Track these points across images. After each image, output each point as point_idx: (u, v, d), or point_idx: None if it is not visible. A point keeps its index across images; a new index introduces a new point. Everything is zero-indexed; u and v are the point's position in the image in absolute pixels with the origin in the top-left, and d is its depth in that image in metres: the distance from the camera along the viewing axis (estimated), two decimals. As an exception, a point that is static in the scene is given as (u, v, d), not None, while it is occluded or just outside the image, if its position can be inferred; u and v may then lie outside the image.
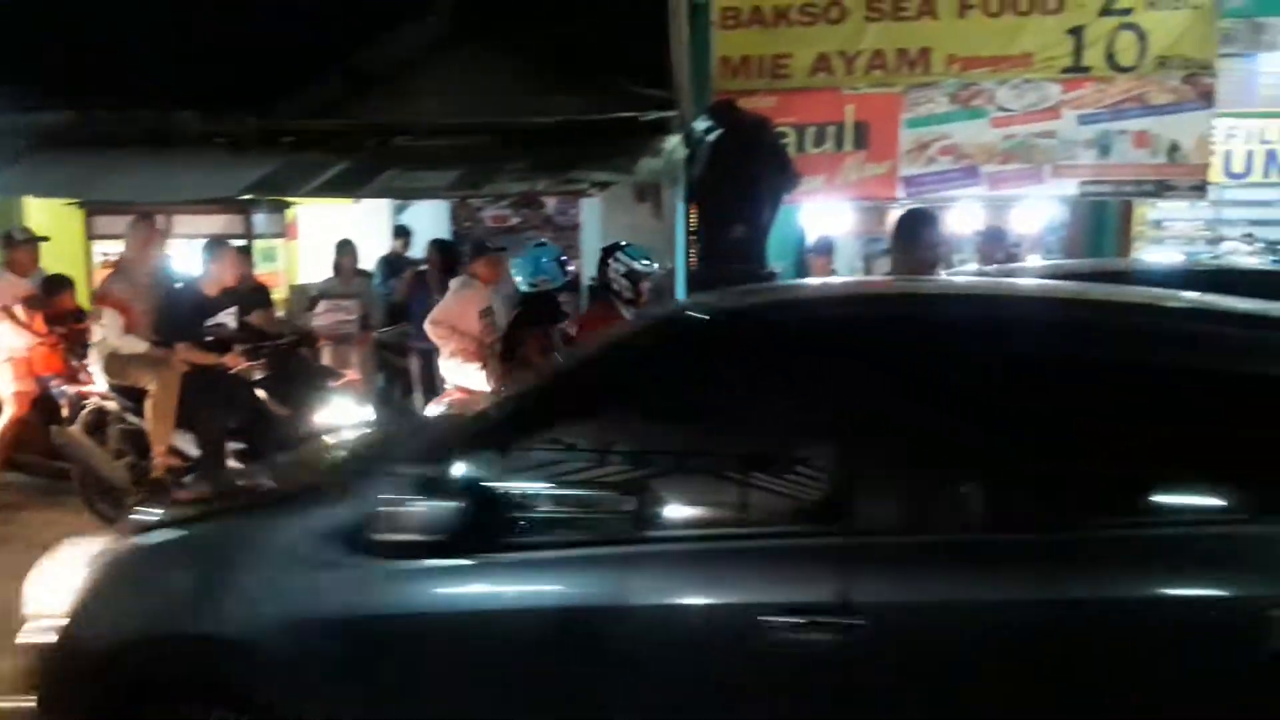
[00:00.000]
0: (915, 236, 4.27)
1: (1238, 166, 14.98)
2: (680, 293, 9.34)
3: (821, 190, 10.11)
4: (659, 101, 9.18)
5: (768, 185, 8.24)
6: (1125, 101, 9.59)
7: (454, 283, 7.26)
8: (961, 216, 10.41)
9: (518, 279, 6.02)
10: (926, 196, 10.11)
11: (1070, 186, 9.85)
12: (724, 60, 9.99)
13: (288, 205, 11.13)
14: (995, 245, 7.34)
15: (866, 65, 9.85)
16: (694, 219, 8.58)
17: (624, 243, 6.03)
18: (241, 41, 8.40)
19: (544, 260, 5.95)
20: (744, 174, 8.05)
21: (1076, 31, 9.49)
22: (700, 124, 8.57)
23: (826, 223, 10.30)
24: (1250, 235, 14.75)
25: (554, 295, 6.01)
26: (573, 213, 10.29)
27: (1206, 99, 9.56)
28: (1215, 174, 14.50)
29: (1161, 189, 9.90)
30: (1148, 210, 14.16)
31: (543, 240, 6.79)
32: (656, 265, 6.16)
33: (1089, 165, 9.72)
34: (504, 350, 5.83)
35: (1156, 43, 9.42)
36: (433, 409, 6.61)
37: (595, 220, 9.83)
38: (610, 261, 5.76)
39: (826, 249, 8.97)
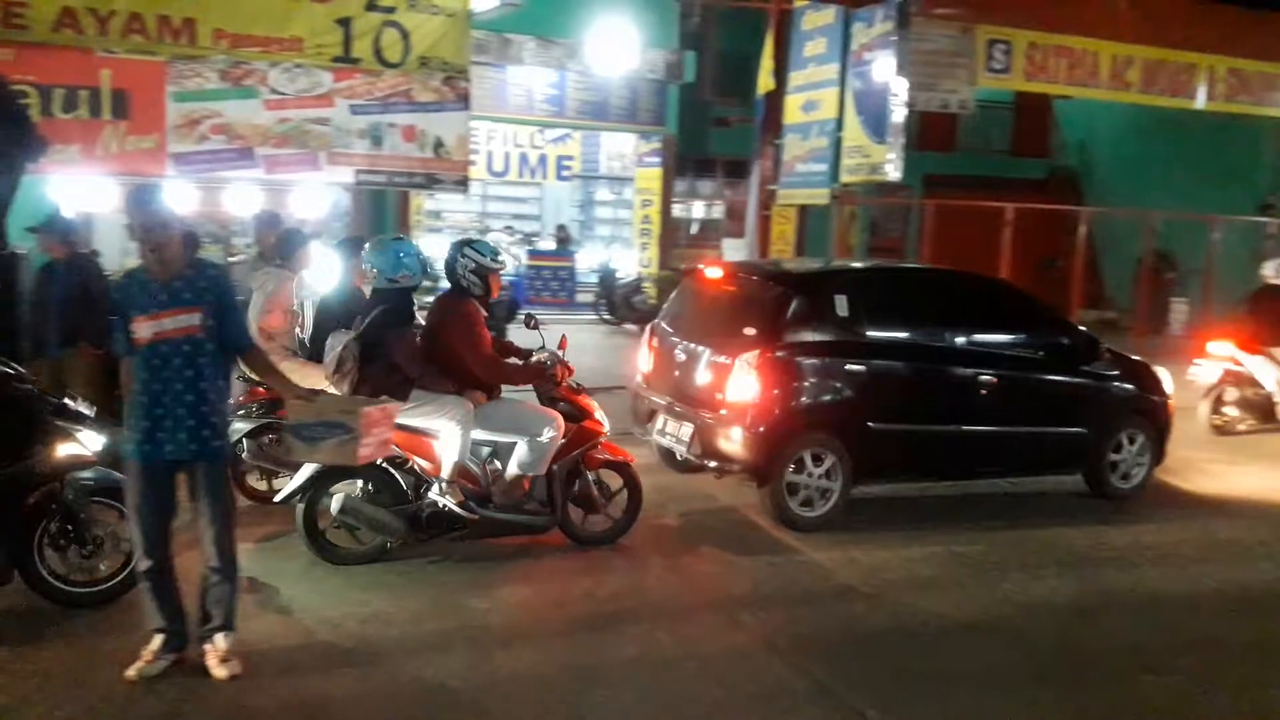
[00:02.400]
0: (143, 212, 3.91)
1: (498, 165, 16.97)
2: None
3: (77, 161, 9.00)
4: None
5: (2, 151, 7.03)
6: (393, 96, 10.12)
7: (274, 272, 6.23)
8: (239, 198, 10.09)
9: (374, 273, 5.42)
10: (200, 175, 9.61)
11: (347, 174, 10.13)
12: (-63, -2, 8.36)
13: None
14: (270, 229, 7.14)
15: (123, 28, 8.96)
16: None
17: (474, 238, 5.92)
18: None
19: (404, 255, 5.40)
20: (-33, 135, 6.77)
21: (345, 23, 9.74)
22: (-98, 70, 7.00)
23: (85, 198, 9.18)
24: (510, 227, 16.82)
25: (411, 293, 5.50)
26: None
27: (464, 101, 10.51)
28: (480, 171, 16.33)
29: (430, 181, 10.65)
30: (425, 201, 15.37)
31: (399, 235, 6.27)
32: (504, 261, 5.96)
33: (363, 154, 10.09)
34: (364, 352, 5.23)
35: (418, 43, 10.08)
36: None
37: None
38: (460, 258, 5.53)
39: (59, 229, 7.47)
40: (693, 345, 6.63)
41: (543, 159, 17.14)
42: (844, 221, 14.12)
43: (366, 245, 5.62)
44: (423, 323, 5.70)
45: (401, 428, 5.08)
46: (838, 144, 12.13)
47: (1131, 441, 7.20)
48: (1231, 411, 9.48)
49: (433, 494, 5.18)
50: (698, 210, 17.49)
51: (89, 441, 4.48)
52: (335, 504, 5.09)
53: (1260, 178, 16.17)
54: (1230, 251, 14.45)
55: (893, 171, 11.45)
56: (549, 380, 5.65)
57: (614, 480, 5.75)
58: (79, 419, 4.53)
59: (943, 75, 11.91)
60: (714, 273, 7.09)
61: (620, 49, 12.53)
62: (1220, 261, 14.24)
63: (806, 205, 13.42)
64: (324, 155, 9.90)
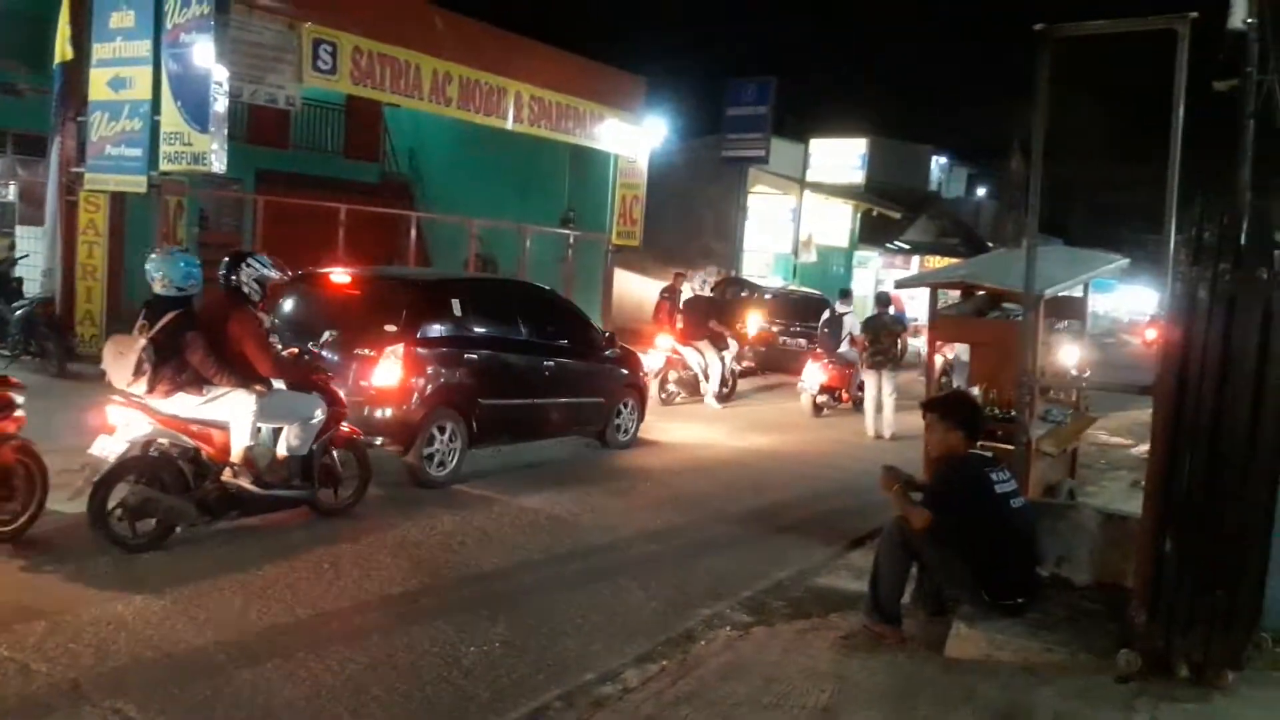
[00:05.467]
0: None
1: None
2: None
3: None
4: None
5: None
6: None
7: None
8: None
9: (165, 282, 5.89)
10: None
11: None
12: None
13: None
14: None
15: None
16: None
17: (249, 251, 6.59)
18: None
19: (190, 266, 5.93)
20: None
21: None
22: None
23: None
24: None
25: (192, 300, 6.00)
26: None
27: None
28: None
29: None
30: None
31: (184, 246, 6.90)
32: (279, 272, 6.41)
33: None
34: (159, 354, 5.78)
35: None
36: None
37: None
38: (243, 267, 6.13)
39: None
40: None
41: None
42: (169, 212, 12.99)
43: (152, 255, 6.06)
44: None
45: (194, 420, 5.84)
46: (155, 128, 11.09)
47: (627, 408, 9.93)
48: (673, 388, 13.07)
49: (225, 477, 5.90)
50: (-15, 191, 14.76)
51: None
52: (132, 496, 5.60)
53: (562, 193, 18.49)
54: (540, 256, 16.34)
55: (217, 163, 10.79)
56: (315, 371, 6.51)
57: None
58: None
59: (268, 69, 11.54)
60: (339, 278, 8.28)
61: None
62: (532, 265, 16.00)
63: (122, 193, 12.07)
64: None
